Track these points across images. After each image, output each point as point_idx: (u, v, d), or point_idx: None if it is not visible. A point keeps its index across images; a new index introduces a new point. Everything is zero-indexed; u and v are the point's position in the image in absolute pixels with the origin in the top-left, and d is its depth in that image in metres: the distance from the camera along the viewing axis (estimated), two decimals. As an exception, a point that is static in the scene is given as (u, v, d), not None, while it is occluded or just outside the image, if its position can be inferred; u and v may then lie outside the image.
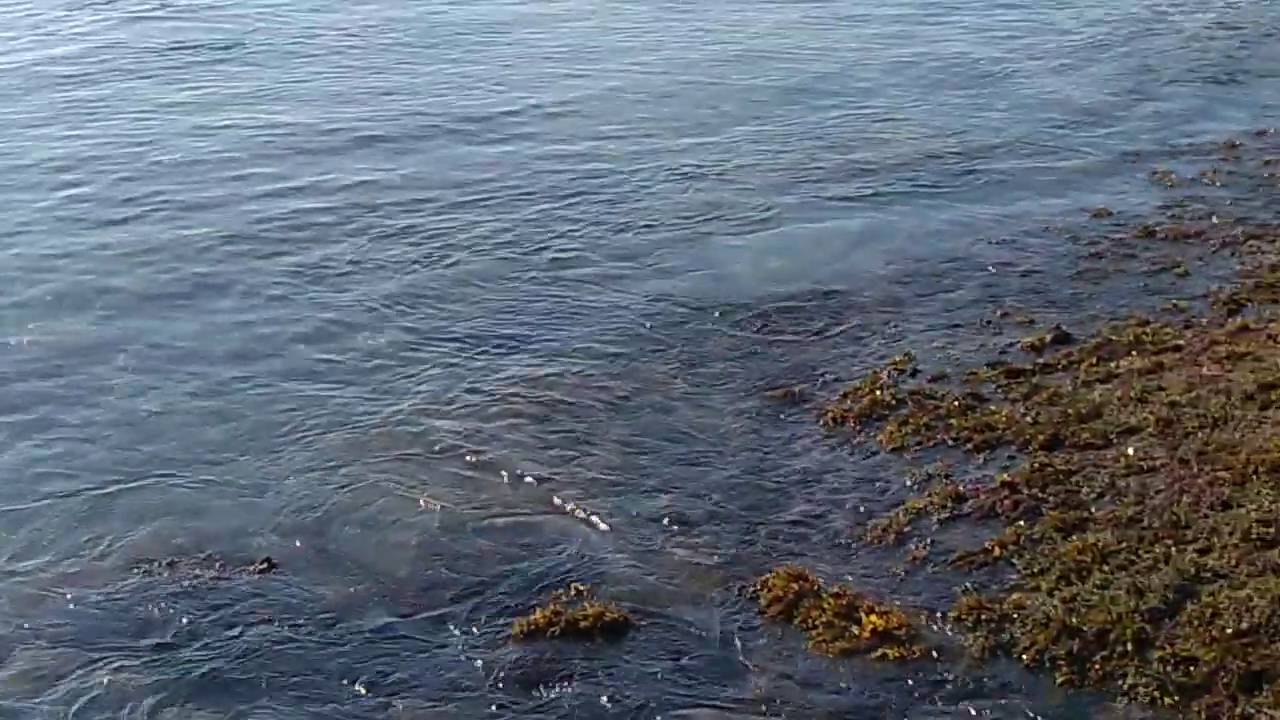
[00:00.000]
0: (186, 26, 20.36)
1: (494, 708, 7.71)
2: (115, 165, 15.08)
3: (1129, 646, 7.76)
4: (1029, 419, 9.97)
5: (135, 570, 8.83)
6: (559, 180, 14.63)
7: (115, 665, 8.07)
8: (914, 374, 10.79)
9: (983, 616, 8.13)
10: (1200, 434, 9.54)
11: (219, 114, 16.59)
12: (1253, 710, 7.30)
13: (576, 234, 13.43)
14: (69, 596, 8.63)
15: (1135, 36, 19.18)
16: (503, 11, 20.88)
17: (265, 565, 8.84)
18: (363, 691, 7.86)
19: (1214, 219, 13.33)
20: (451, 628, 8.30)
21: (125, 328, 11.77)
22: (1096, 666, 7.71)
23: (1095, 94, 17.03)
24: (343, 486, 9.65)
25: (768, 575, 8.55)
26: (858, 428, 10.13)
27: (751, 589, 8.50)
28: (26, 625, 8.41)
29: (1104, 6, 20.48)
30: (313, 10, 21.14)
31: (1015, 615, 8.12)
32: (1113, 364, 10.64)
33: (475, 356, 11.30)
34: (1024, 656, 7.85)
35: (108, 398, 10.76)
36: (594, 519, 9.24)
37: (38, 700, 7.87)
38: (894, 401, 10.37)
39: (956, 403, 10.28)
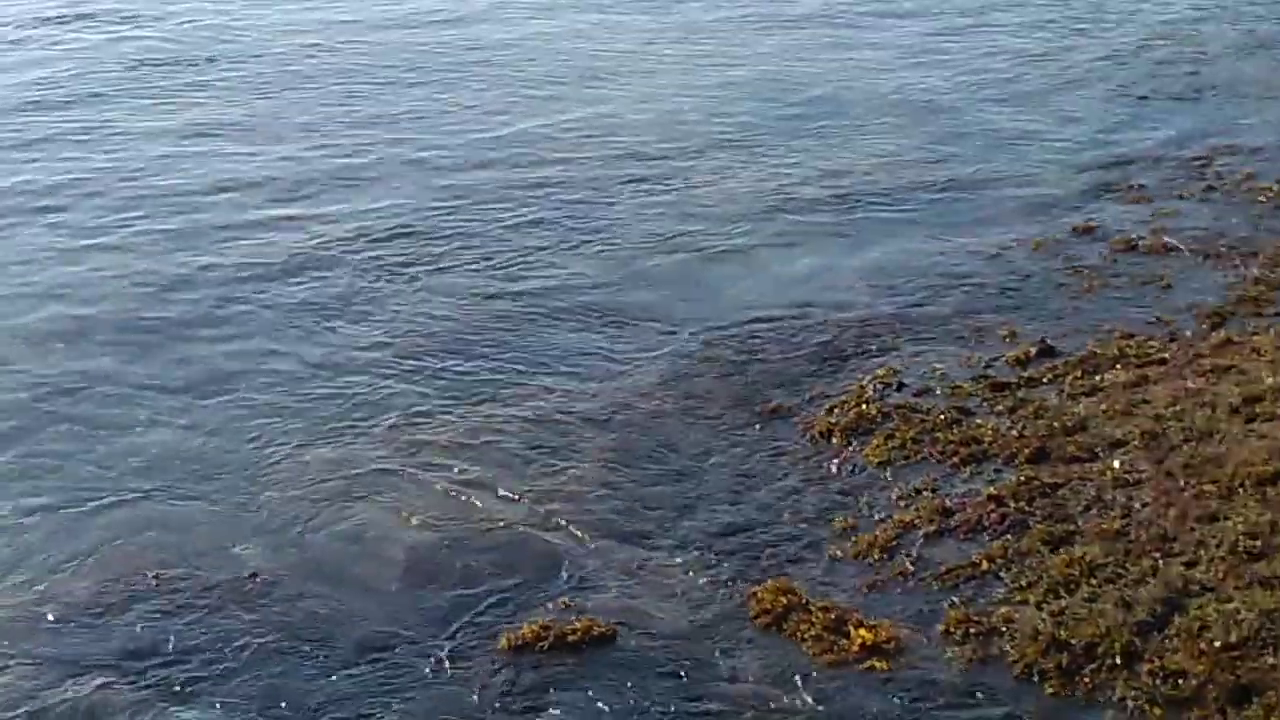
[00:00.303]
0: (160, 44, 20.12)
1: (482, 723, 7.71)
2: (93, 196, 14.81)
3: (1118, 660, 7.77)
4: (1015, 432, 9.98)
5: (120, 585, 8.78)
6: (539, 206, 14.52)
7: (99, 681, 8.03)
8: (899, 388, 10.78)
9: (971, 630, 8.14)
10: (1186, 447, 9.56)
11: (195, 143, 16.32)
12: (1242, 723, 7.33)
13: (557, 258, 13.35)
14: (52, 612, 8.58)
15: (1100, 60, 19.18)
16: (483, 37, 20.65)
17: (251, 579, 8.80)
18: (350, 707, 7.82)
19: (1194, 232, 13.37)
20: (439, 642, 8.27)
21: (108, 355, 11.60)
22: (1085, 679, 7.72)
23: (1067, 116, 16.98)
24: (328, 504, 9.61)
25: (756, 589, 8.55)
26: (843, 442, 10.12)
27: (739, 602, 8.49)
28: (9, 642, 8.36)
29: (1066, 34, 20.42)
30: (286, 29, 20.99)
31: (1004, 628, 8.12)
32: (1098, 377, 10.65)
33: (459, 377, 11.23)
34: (1013, 669, 7.85)
35: (91, 420, 10.66)
36: (580, 534, 9.22)
37: (20, 709, 7.84)
38: (879, 415, 10.36)
39: (942, 416, 10.27)
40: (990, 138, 16.31)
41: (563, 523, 9.34)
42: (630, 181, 15.18)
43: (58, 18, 21.44)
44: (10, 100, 17.87)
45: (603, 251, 13.45)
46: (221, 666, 8.12)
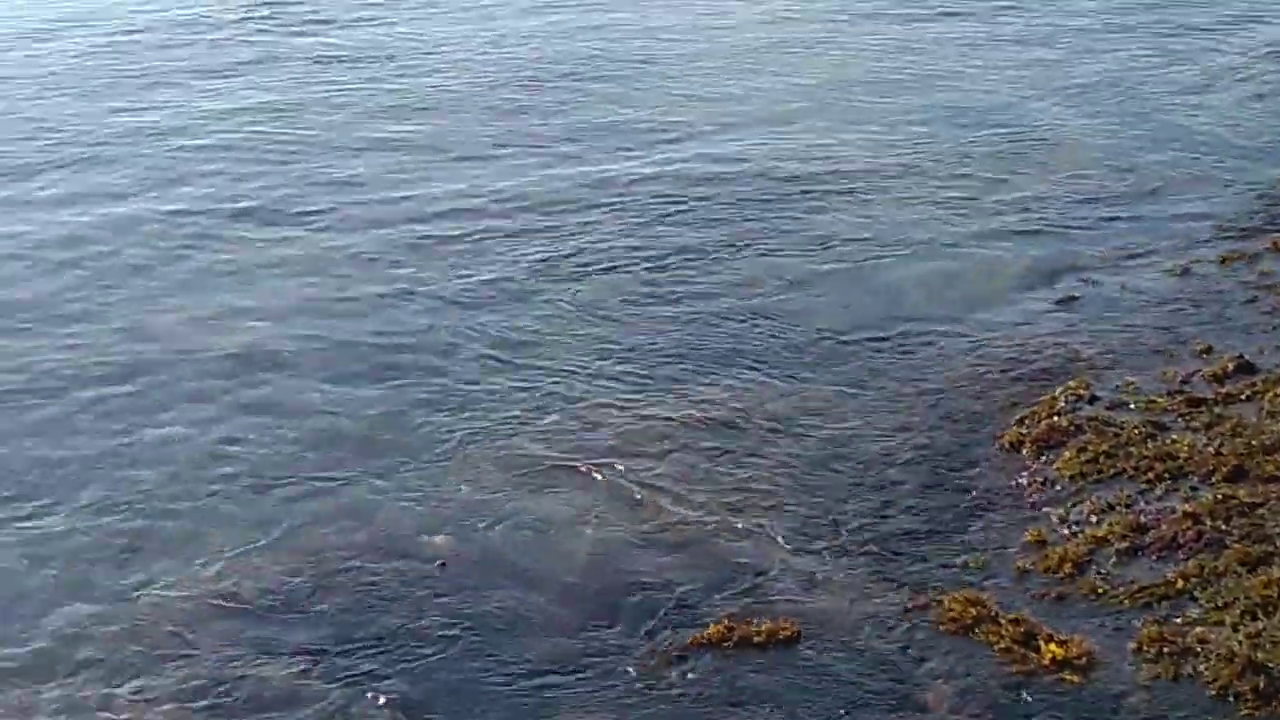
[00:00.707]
0: (352, 53, 20.00)
1: (667, 720, 7.72)
2: (291, 209, 14.67)
3: (1317, 686, 7.59)
4: (1212, 449, 9.76)
5: (309, 570, 8.93)
6: (718, 202, 14.49)
7: (286, 666, 8.17)
8: (1092, 400, 10.60)
9: (1164, 649, 7.99)
10: (1390, 470, 9.29)
11: (387, 157, 15.97)
12: None
13: (739, 257, 13.35)
14: (240, 596, 8.75)
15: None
16: (666, 51, 20.08)
17: (440, 569, 8.89)
18: (537, 701, 7.87)
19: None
20: (622, 638, 8.30)
21: (304, 337, 11.92)
22: (1284, 704, 7.55)
23: (1259, 127, 16.60)
24: (512, 497, 9.70)
25: (943, 598, 8.46)
26: (1034, 453, 9.98)
27: (927, 611, 8.40)
28: (198, 624, 8.52)
29: (1251, 50, 19.88)
30: (472, 40, 20.95)
31: (1198, 649, 7.96)
32: (1298, 396, 10.40)
33: (643, 378, 11.25)
34: (1207, 690, 7.69)
35: (280, 408, 10.88)
36: (763, 536, 9.19)
37: (215, 691, 8.01)
38: (1072, 428, 10.19)
39: (1136, 431, 10.08)
40: (1181, 147, 15.96)
41: (745, 525, 9.32)
42: (811, 179, 15.09)
43: (249, 16, 21.57)
44: (209, 109, 17.73)
45: (789, 264, 13.27)
46: (410, 656, 8.21)
